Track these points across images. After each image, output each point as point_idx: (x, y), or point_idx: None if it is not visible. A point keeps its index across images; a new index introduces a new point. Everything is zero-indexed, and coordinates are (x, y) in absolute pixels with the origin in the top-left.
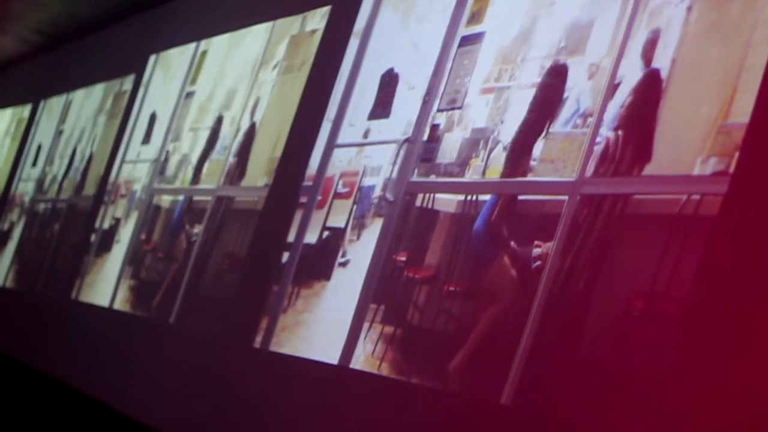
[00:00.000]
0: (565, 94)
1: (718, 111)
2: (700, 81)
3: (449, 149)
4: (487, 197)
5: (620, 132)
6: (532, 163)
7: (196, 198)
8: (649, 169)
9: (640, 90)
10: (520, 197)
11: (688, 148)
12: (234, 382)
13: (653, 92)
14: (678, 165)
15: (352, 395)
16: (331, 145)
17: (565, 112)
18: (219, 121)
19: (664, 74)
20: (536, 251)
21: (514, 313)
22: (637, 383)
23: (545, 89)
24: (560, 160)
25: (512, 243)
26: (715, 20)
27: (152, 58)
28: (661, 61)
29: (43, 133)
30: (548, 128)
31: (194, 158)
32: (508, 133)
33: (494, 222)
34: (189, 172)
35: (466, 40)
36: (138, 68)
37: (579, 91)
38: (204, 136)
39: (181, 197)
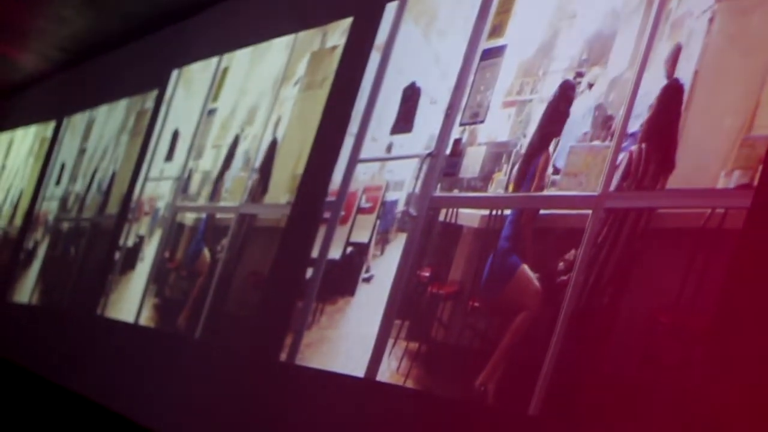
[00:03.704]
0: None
1: (742, 123)
2: (723, 93)
3: (472, 163)
4: (510, 211)
5: (643, 145)
6: (555, 177)
7: (218, 216)
8: (672, 183)
9: (661, 103)
10: (543, 211)
11: (712, 161)
12: (260, 397)
13: (675, 105)
14: (702, 178)
15: (378, 408)
16: (353, 159)
17: (576, 125)
18: (235, 141)
19: (686, 86)
20: (560, 266)
21: (539, 326)
22: (662, 398)
23: (550, 106)
24: (583, 174)
25: (534, 256)
26: (737, 31)
27: (174, 73)
28: (684, 73)
29: (66, 152)
30: (557, 144)
31: (215, 175)
32: None
33: (515, 236)
34: (209, 190)
35: (488, 54)
36: (160, 83)
37: (587, 106)
38: (224, 153)
39: (204, 215)
